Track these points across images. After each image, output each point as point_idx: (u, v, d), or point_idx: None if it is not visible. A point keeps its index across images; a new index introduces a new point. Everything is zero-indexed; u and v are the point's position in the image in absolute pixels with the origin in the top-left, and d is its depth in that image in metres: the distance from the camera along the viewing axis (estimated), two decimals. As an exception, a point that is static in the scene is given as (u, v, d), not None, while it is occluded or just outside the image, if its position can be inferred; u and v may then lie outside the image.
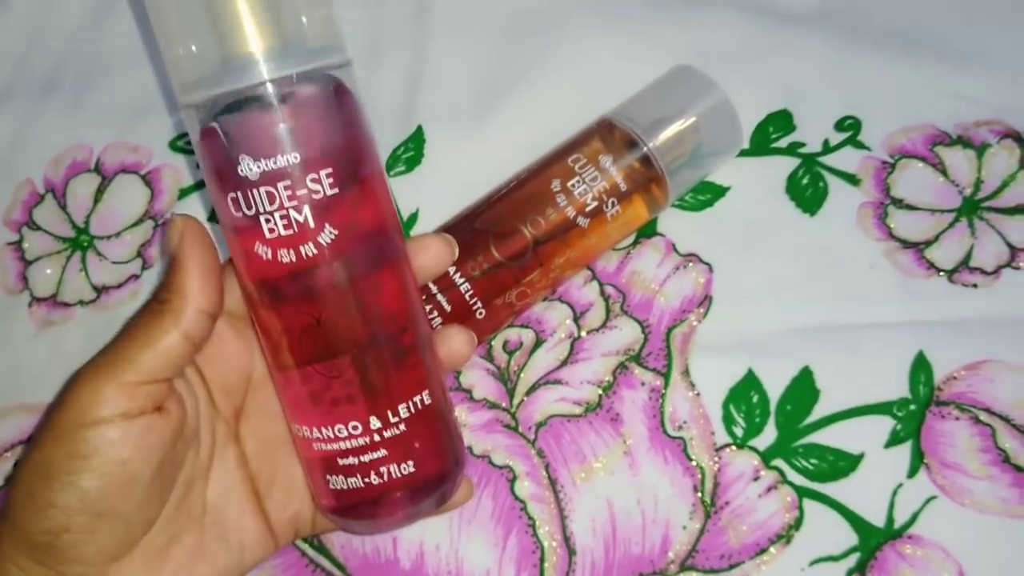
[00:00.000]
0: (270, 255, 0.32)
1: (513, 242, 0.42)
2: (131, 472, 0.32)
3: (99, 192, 0.51)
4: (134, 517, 0.33)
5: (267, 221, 0.31)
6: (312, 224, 0.31)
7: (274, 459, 0.38)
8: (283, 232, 0.31)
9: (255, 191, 0.31)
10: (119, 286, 0.48)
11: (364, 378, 0.34)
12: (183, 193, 0.50)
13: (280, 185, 0.31)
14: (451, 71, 0.52)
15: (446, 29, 0.54)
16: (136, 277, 0.48)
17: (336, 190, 0.32)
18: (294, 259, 0.32)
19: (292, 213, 0.31)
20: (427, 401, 0.35)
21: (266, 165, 0.31)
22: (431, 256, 0.37)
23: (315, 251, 0.32)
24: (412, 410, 0.34)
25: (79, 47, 0.56)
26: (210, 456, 0.36)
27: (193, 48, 0.31)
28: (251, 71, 0.30)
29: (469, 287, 0.41)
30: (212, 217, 0.49)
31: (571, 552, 0.40)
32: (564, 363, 0.44)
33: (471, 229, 0.42)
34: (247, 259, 0.33)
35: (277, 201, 0.31)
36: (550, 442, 0.43)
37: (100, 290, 0.49)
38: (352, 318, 0.33)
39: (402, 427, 0.34)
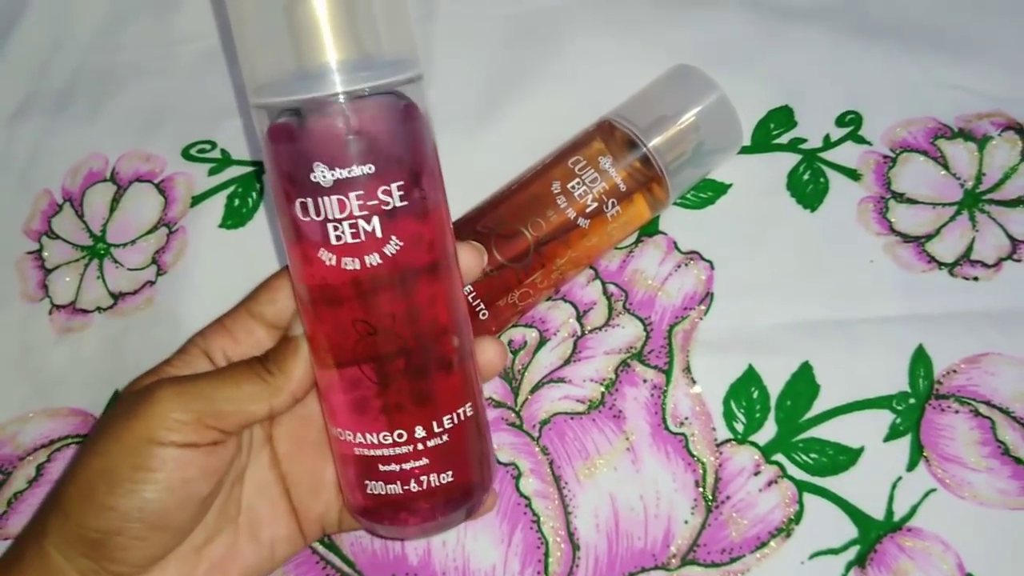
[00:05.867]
0: (334, 262, 0.32)
1: (515, 244, 0.43)
2: (191, 489, 0.34)
3: (115, 201, 0.52)
4: (184, 527, 0.35)
5: (335, 228, 0.31)
6: (379, 234, 0.32)
7: (304, 460, 0.39)
8: (350, 240, 0.32)
9: (326, 198, 0.31)
10: (135, 292, 0.50)
11: (414, 388, 0.34)
12: (195, 201, 0.51)
13: (352, 194, 0.31)
14: (455, 75, 0.53)
15: (449, 33, 0.54)
16: (151, 283, 0.50)
17: (405, 203, 0.32)
18: (358, 267, 0.32)
19: (361, 223, 0.31)
20: (469, 413, 0.35)
21: (340, 174, 0.31)
22: (461, 264, 0.36)
23: (380, 261, 0.32)
24: (456, 421, 0.35)
25: (94, 59, 0.57)
26: (247, 459, 0.38)
27: (272, 52, 0.32)
28: (331, 81, 0.31)
29: (472, 289, 0.42)
30: (223, 224, 0.50)
31: (575, 547, 0.41)
32: (567, 361, 0.45)
33: (473, 232, 0.43)
34: (308, 264, 0.33)
35: (347, 210, 0.31)
36: (554, 439, 0.43)
37: (117, 296, 0.50)
38: (408, 329, 0.33)
39: (445, 437, 0.34)
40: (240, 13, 0.32)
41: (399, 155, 0.32)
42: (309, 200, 0.32)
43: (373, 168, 0.31)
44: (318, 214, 0.32)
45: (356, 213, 0.31)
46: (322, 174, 0.31)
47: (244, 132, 0.53)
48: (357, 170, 0.31)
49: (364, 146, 0.31)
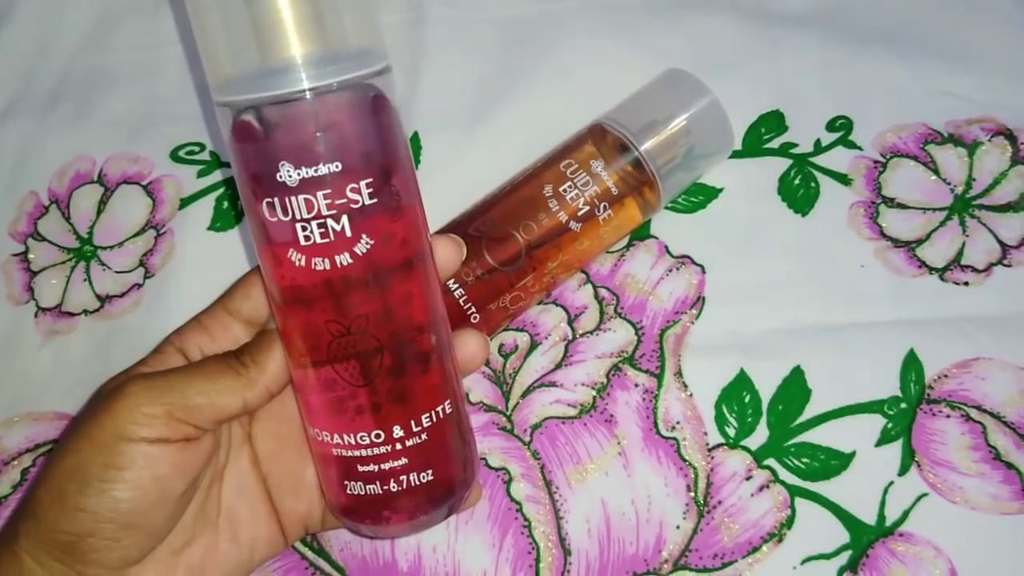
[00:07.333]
0: (304, 262, 0.31)
1: (506, 247, 0.43)
2: (164, 487, 0.33)
3: (102, 203, 0.52)
4: (160, 528, 0.34)
5: (303, 228, 0.31)
6: (349, 233, 0.31)
7: (285, 460, 0.38)
8: (319, 240, 0.31)
9: (293, 198, 0.30)
10: (122, 295, 0.49)
11: (390, 388, 0.34)
12: (184, 203, 0.51)
13: (319, 193, 0.30)
14: (447, 78, 0.53)
15: (442, 37, 0.54)
16: (139, 286, 0.49)
17: (374, 200, 0.31)
18: (328, 267, 0.31)
19: (330, 222, 0.31)
20: (448, 410, 0.35)
21: (306, 173, 0.30)
22: (439, 258, 0.36)
23: (350, 260, 0.31)
24: (434, 419, 0.34)
25: (82, 61, 0.57)
26: (226, 459, 0.37)
27: (234, 48, 0.31)
28: (295, 77, 0.30)
29: (463, 292, 0.42)
30: (212, 226, 0.50)
31: (566, 552, 0.41)
32: (559, 366, 0.45)
33: (464, 235, 0.43)
34: (278, 264, 0.32)
35: (315, 209, 0.30)
36: (545, 444, 0.43)
37: (103, 299, 0.49)
38: (382, 328, 0.33)
39: (424, 436, 0.34)
40: (200, 8, 0.31)
41: (367, 151, 0.32)
42: (276, 200, 0.31)
43: (340, 166, 0.30)
44: (286, 214, 0.31)
45: (324, 212, 0.31)
46: (288, 173, 0.30)
47: (208, 132, 0.53)
48: (324, 168, 0.30)
49: (330, 143, 0.30)
